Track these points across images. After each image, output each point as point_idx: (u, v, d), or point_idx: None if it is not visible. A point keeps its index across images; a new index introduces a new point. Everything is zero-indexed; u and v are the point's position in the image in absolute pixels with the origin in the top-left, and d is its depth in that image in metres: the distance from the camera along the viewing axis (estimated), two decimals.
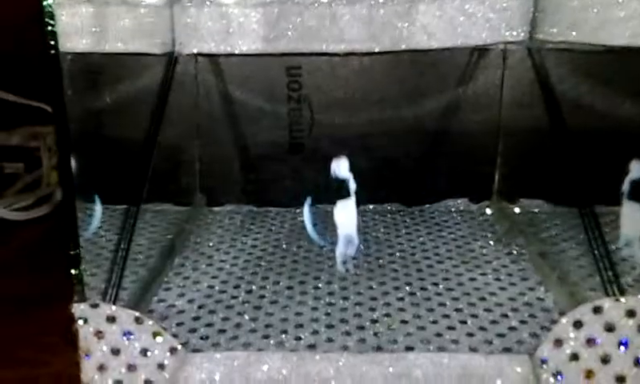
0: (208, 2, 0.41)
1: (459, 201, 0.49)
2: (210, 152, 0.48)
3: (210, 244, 0.43)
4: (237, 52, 0.41)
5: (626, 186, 0.37)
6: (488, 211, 0.48)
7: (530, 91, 0.44)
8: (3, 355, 0.34)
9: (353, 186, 0.37)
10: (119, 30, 0.39)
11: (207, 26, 0.40)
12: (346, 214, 0.37)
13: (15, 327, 0.37)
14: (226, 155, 0.48)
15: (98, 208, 0.38)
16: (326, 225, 0.40)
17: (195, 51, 0.42)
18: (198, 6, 0.40)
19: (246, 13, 0.40)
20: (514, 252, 0.41)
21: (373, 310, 0.34)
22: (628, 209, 0.37)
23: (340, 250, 0.38)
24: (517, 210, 0.47)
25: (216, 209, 0.49)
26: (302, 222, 0.40)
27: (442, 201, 0.49)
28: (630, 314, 0.28)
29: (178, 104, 0.42)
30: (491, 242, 0.43)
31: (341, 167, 0.37)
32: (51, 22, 0.27)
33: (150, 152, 0.37)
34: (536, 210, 0.47)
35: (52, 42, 0.27)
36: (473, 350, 0.30)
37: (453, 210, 0.49)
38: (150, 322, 0.28)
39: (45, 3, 0.27)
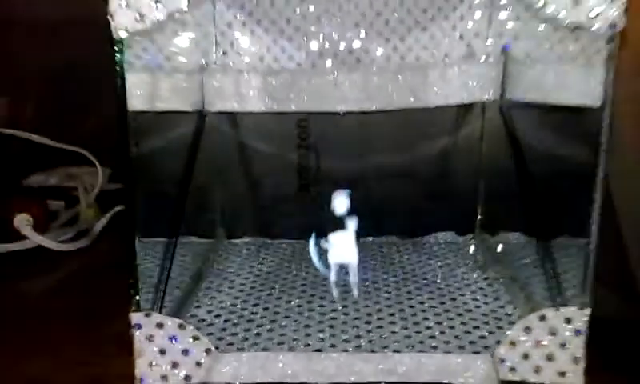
0: (230, 70, 0.48)
1: (447, 234, 0.55)
2: (230, 192, 0.55)
3: (231, 270, 0.50)
4: (255, 110, 0.47)
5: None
6: (471, 243, 0.55)
7: (505, 140, 0.51)
8: (71, 359, 0.40)
9: (352, 220, 0.42)
10: (160, 92, 0.47)
11: (230, 89, 0.47)
12: (340, 245, 0.42)
13: (75, 339, 0.42)
14: (244, 195, 0.55)
15: None
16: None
17: (220, 109, 0.48)
18: (223, 73, 0.48)
19: (262, 79, 0.47)
20: (491, 277, 0.48)
21: (368, 323, 0.41)
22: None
23: (332, 278, 0.44)
24: (496, 241, 0.54)
25: (235, 241, 0.56)
26: (309, 252, 0.47)
27: (432, 234, 0.56)
28: (568, 320, 0.35)
29: (203, 152, 0.49)
30: (472, 269, 0.50)
31: (338, 204, 0.41)
32: (121, 80, 0.33)
33: (185, 192, 0.44)
34: (513, 242, 0.54)
35: (121, 100, 0.33)
36: (448, 352, 0.37)
37: (441, 241, 0.55)
38: (191, 328, 0.36)
39: (118, 62, 0.32)
